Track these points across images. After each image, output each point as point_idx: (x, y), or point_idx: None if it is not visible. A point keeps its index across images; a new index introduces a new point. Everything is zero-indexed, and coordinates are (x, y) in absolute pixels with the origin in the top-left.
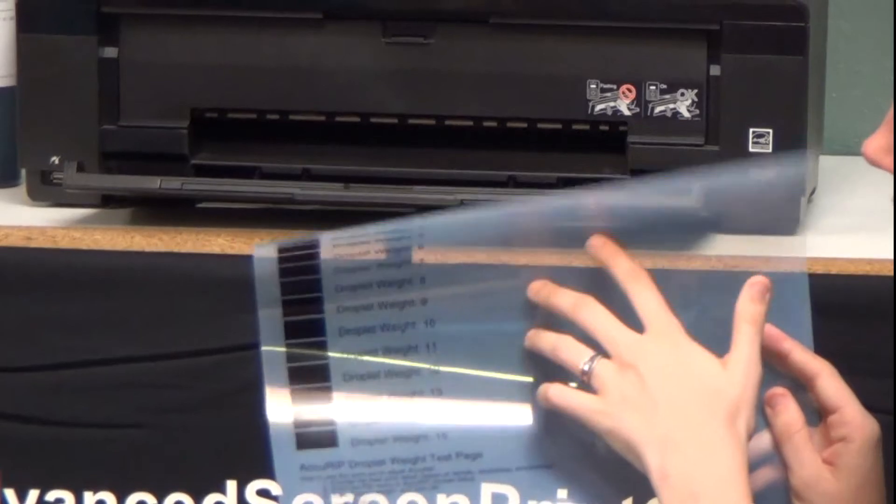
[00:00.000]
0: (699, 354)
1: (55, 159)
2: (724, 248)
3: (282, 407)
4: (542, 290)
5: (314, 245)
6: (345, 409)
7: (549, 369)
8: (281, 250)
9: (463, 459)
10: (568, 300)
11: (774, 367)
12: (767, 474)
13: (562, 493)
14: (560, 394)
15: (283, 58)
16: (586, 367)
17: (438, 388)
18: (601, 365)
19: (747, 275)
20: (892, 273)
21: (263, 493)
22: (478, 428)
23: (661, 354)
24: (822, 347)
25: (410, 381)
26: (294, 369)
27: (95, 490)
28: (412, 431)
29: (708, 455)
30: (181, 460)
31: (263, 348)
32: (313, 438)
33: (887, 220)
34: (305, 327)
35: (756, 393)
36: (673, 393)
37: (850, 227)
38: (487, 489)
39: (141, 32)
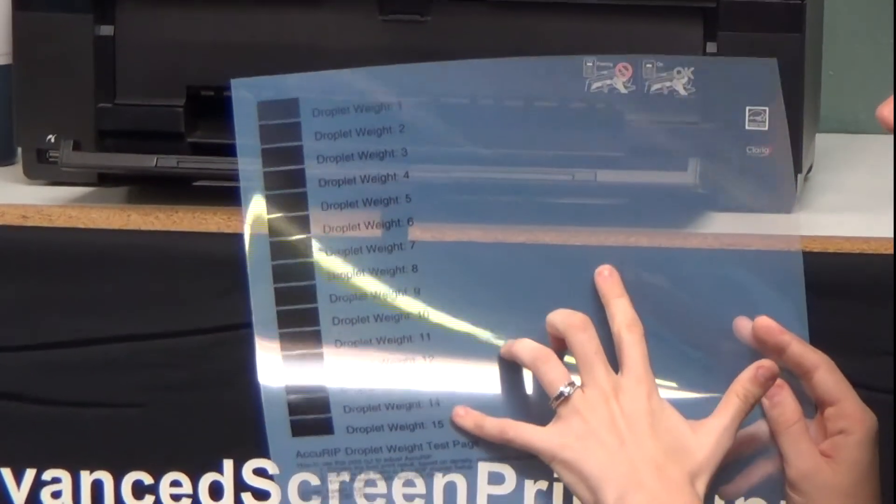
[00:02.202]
0: (671, 411)
1: (51, 138)
2: (720, 226)
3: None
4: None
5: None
6: (337, 378)
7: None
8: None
9: (460, 448)
10: (568, 315)
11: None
12: (764, 466)
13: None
14: (518, 431)
15: (280, 35)
16: (564, 391)
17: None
18: (578, 395)
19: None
20: (890, 251)
21: (260, 472)
22: None
23: (635, 399)
24: (818, 326)
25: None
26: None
27: (92, 469)
28: (408, 420)
29: (671, 497)
30: (178, 439)
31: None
32: (308, 426)
33: (885, 199)
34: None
35: (719, 461)
36: (641, 436)
37: (847, 206)
38: (484, 468)
39: (137, 10)
